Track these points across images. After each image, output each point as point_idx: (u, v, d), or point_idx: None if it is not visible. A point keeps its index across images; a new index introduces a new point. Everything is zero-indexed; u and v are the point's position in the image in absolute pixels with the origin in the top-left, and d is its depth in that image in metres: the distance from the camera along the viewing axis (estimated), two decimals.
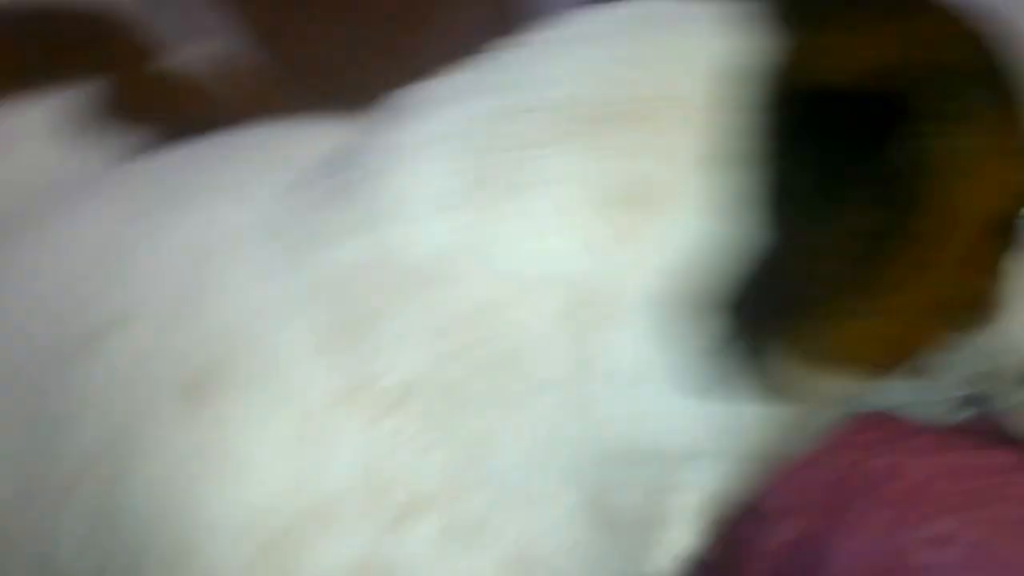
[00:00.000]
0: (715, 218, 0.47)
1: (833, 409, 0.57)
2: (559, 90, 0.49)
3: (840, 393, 0.54)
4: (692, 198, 0.47)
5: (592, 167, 0.48)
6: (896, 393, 0.64)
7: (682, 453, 0.50)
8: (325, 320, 0.49)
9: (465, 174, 0.49)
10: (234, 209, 0.53)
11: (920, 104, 0.49)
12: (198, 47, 0.72)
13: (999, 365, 0.59)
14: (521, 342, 0.48)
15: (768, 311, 0.47)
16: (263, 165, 0.55)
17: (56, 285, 0.55)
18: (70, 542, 0.51)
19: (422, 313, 0.48)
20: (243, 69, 0.83)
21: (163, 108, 0.66)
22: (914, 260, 0.49)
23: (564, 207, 0.48)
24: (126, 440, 0.50)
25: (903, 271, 0.49)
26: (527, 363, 0.48)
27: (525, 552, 0.49)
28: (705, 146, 0.47)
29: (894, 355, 0.52)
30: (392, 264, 0.49)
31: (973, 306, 0.54)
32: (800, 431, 0.56)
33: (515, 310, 0.48)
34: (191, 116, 0.66)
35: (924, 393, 0.63)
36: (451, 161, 0.50)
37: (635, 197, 0.47)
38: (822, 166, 0.47)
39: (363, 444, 0.48)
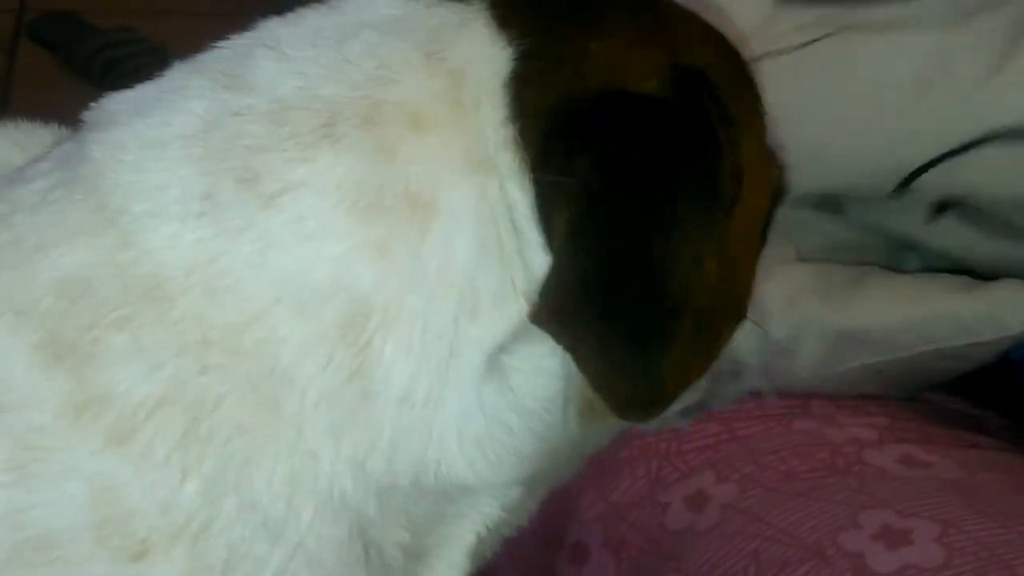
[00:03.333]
0: (485, 227, 0.43)
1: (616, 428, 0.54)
2: (296, 91, 0.44)
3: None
4: (457, 207, 0.43)
5: (340, 173, 0.43)
6: None
7: (463, 489, 0.46)
8: (44, 334, 0.42)
9: (206, 179, 0.43)
10: None
11: (710, 112, 0.46)
12: None
13: (719, 364, 0.54)
14: (287, 361, 0.42)
15: (592, 333, 0.44)
16: None
17: None
18: None
19: (165, 327, 0.42)
20: None
21: None
22: (719, 270, 0.46)
23: (316, 215, 0.42)
24: None
25: (712, 281, 0.46)
26: (293, 384, 0.42)
27: None
28: (465, 152, 0.43)
29: (701, 367, 0.49)
30: (125, 275, 0.43)
31: (743, 309, 0.53)
32: (579, 455, 0.53)
33: (279, 325, 0.42)
34: None
35: None
36: (188, 164, 0.44)
37: (395, 205, 0.42)
38: (638, 173, 0.43)
39: (97, 469, 0.41)
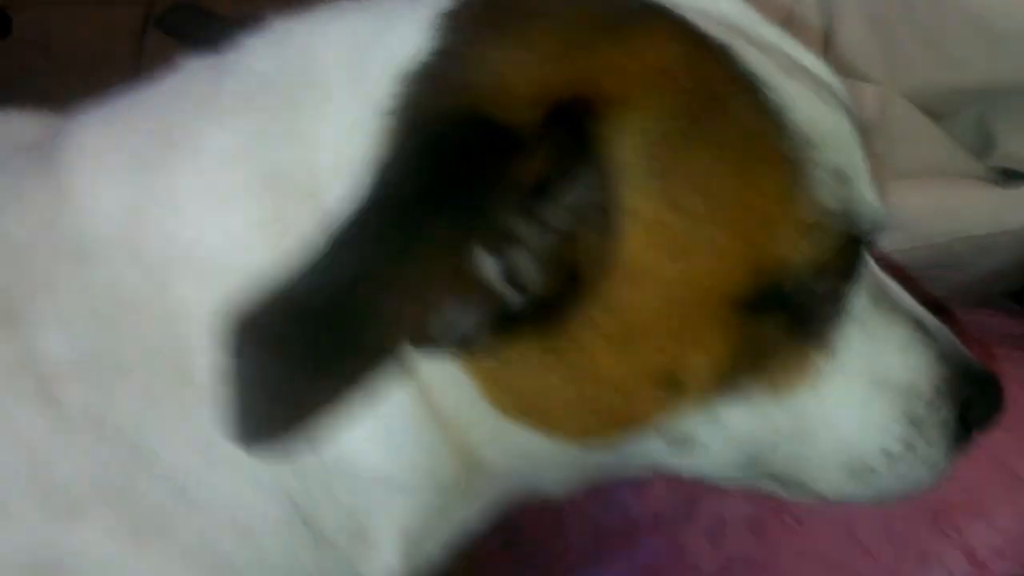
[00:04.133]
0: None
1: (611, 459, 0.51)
2: (245, 65, 0.47)
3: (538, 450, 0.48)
4: (336, 192, 0.42)
5: (242, 149, 0.44)
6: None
7: (375, 479, 0.46)
8: None
9: (138, 140, 0.45)
10: None
11: (559, 156, 0.41)
12: None
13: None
14: (196, 329, 0.42)
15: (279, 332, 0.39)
16: None
17: None
18: None
19: (82, 292, 0.43)
20: None
21: None
22: (595, 320, 0.43)
23: (219, 182, 0.43)
24: None
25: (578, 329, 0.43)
26: (203, 353, 0.41)
27: (210, 556, 0.44)
28: (349, 142, 0.43)
29: (598, 429, 0.46)
30: (60, 237, 0.44)
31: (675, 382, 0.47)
32: (551, 469, 0.51)
33: (188, 293, 0.42)
34: None
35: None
36: (129, 128, 0.46)
37: (282, 182, 0.43)
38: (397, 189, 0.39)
39: (29, 427, 0.42)
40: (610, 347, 0.43)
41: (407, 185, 0.38)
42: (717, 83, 0.44)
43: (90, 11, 1.84)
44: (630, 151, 0.41)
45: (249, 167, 0.43)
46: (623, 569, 0.79)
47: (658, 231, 0.42)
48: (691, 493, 0.79)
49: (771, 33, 0.49)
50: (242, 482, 0.43)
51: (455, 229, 0.38)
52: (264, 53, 0.47)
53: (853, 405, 0.48)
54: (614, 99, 0.42)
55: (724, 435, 0.48)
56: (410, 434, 0.44)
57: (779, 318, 0.45)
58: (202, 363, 0.41)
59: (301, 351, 0.36)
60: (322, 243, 0.37)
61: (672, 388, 0.45)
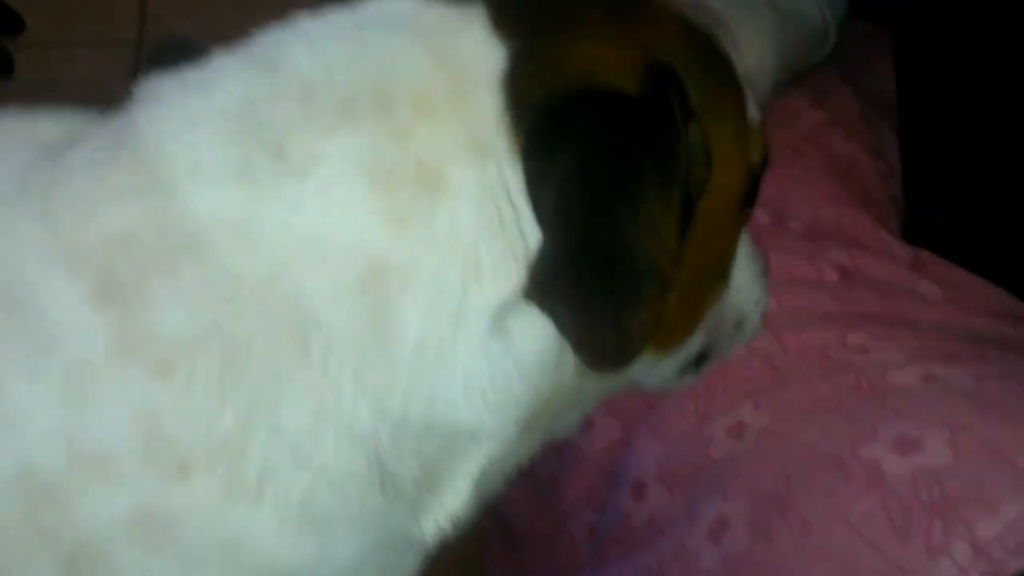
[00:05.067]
0: (485, 202, 0.49)
1: (612, 385, 0.60)
2: (321, 77, 0.50)
3: (633, 369, 0.55)
4: (462, 184, 0.48)
5: (360, 148, 0.48)
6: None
7: (467, 430, 0.51)
8: (95, 279, 0.47)
9: (243, 148, 0.49)
10: None
11: (680, 101, 0.52)
12: None
13: (722, 318, 0.62)
14: (314, 309, 0.47)
15: (572, 294, 0.49)
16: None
17: None
18: None
19: (198, 276, 0.47)
20: None
21: None
22: (698, 237, 0.53)
23: (341, 184, 0.48)
24: None
25: (690, 248, 0.53)
26: (320, 329, 0.47)
27: (307, 510, 0.48)
28: (467, 137, 0.49)
29: (687, 327, 0.58)
30: (168, 232, 0.47)
31: (726, 272, 0.60)
32: (577, 406, 0.59)
33: (307, 278, 0.47)
34: None
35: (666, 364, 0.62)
36: (228, 135, 0.49)
37: (409, 178, 0.48)
38: (607, 160, 0.49)
39: (144, 396, 0.46)
40: (704, 250, 0.55)
41: (603, 154, 0.48)
42: (707, 41, 0.56)
43: (89, 51, 1.86)
44: (696, 99, 0.53)
45: (363, 168, 0.48)
46: (624, 573, 0.77)
47: (719, 154, 0.54)
48: (690, 495, 0.78)
49: None
50: (343, 441, 0.48)
51: (661, 176, 0.49)
52: (330, 64, 0.51)
53: (747, 267, 0.63)
54: (674, 62, 0.52)
55: (716, 317, 0.61)
56: (510, 389, 0.50)
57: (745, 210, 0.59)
58: (318, 338, 0.46)
59: (598, 295, 0.47)
60: (563, 214, 0.47)
61: (724, 279, 0.59)
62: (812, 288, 0.89)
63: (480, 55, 0.49)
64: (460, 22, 0.50)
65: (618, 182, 0.48)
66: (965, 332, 0.83)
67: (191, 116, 0.49)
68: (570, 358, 0.51)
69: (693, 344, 0.59)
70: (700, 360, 0.63)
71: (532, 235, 0.48)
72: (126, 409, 0.45)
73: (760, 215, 1.06)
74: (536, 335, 0.50)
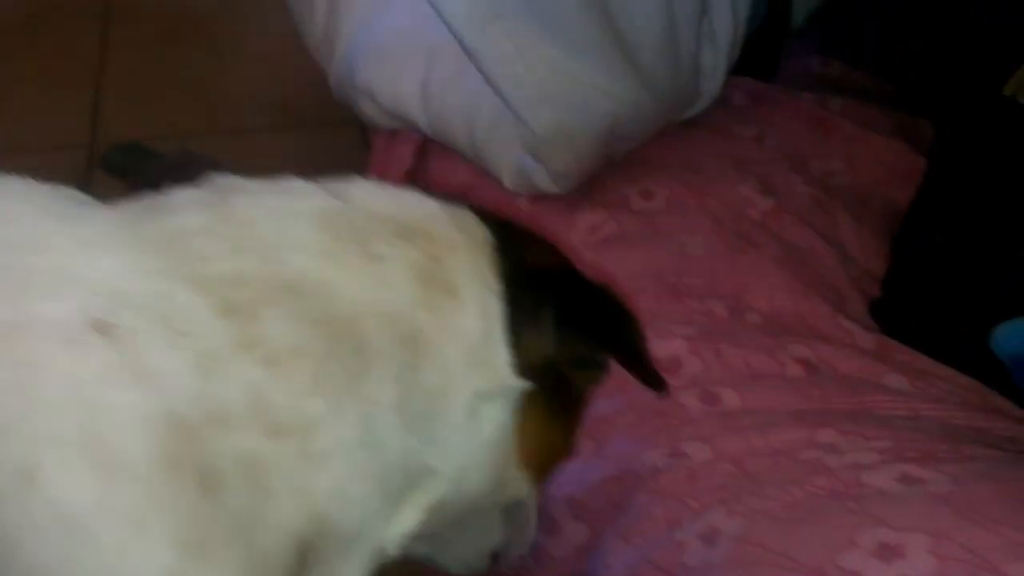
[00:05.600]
0: (486, 321, 0.65)
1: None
2: (385, 209, 0.67)
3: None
4: (470, 297, 0.65)
5: (412, 258, 0.65)
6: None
7: (431, 468, 0.65)
8: (222, 299, 0.59)
9: (336, 242, 0.63)
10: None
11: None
12: None
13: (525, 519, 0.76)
14: (372, 348, 0.61)
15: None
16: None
17: None
18: None
19: (302, 309, 0.60)
20: None
21: None
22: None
23: (396, 274, 0.64)
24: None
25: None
26: (377, 360, 0.62)
27: (351, 481, 0.62)
28: (477, 275, 0.66)
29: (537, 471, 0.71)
30: (272, 277, 0.61)
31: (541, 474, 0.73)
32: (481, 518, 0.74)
33: (370, 326, 0.61)
34: None
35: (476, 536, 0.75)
36: (318, 231, 0.64)
37: (439, 284, 0.64)
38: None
39: (258, 376, 0.58)
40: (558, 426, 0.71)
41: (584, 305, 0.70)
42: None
43: (39, 156, 1.84)
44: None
45: (411, 269, 0.64)
46: None
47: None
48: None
49: None
50: (376, 441, 0.62)
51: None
52: (396, 203, 0.68)
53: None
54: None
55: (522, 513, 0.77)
56: (467, 450, 0.66)
57: None
58: (376, 366, 0.61)
59: None
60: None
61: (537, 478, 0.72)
62: (776, 384, 0.87)
63: (477, 234, 0.68)
64: (458, 215, 0.68)
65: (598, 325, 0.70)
66: (938, 427, 0.81)
67: (281, 210, 0.64)
68: (506, 451, 0.67)
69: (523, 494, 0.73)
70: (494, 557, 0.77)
71: (503, 354, 0.65)
72: (244, 383, 0.57)
73: (717, 308, 1.05)
74: (492, 426, 0.66)
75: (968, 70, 1.13)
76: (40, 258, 0.57)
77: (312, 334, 0.59)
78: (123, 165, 1.86)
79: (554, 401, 0.68)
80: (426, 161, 1.30)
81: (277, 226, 0.62)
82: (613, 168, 1.19)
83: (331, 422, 0.59)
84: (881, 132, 1.27)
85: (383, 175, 1.33)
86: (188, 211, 0.62)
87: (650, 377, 0.68)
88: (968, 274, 0.97)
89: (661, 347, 0.91)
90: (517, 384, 0.64)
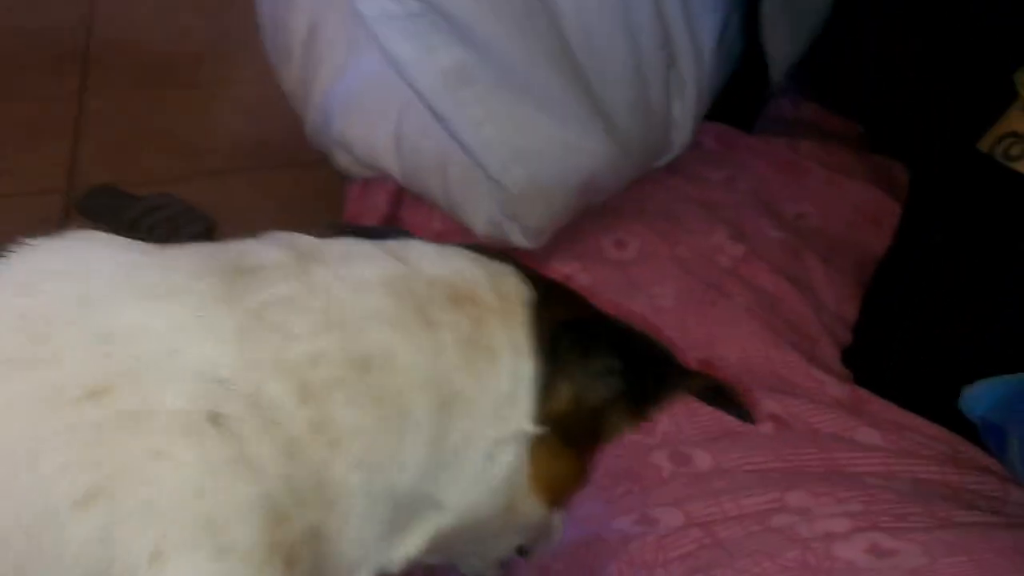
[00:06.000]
0: (515, 376, 0.69)
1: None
2: (439, 273, 0.71)
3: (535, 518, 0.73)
4: (507, 357, 0.68)
5: (463, 323, 0.68)
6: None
7: (437, 501, 0.68)
8: (298, 383, 0.63)
9: (403, 309, 0.67)
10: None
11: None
12: None
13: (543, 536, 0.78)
14: (414, 419, 0.65)
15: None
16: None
17: None
18: None
19: (366, 386, 0.64)
20: None
21: None
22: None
23: (451, 343, 0.67)
24: None
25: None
26: (413, 432, 0.65)
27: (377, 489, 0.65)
28: (510, 334, 0.69)
29: (551, 499, 0.73)
30: (347, 350, 0.65)
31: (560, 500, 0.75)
32: (489, 539, 0.76)
33: (417, 396, 0.65)
34: None
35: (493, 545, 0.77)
36: (390, 299, 0.68)
37: (480, 346, 0.68)
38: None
39: (324, 457, 0.62)
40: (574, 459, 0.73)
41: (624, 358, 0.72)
42: None
43: (13, 201, 1.83)
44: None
45: (461, 335, 0.68)
46: None
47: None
48: None
49: None
50: (401, 466, 0.65)
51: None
52: (447, 266, 0.71)
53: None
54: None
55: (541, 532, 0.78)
56: (477, 489, 0.68)
57: None
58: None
59: None
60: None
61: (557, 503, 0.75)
62: (747, 442, 0.87)
63: (518, 290, 0.71)
64: (506, 270, 0.72)
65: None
66: (911, 485, 0.81)
67: (355, 280, 0.68)
68: (519, 485, 0.70)
69: (541, 522, 0.75)
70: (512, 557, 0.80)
71: (525, 403, 0.68)
72: (312, 465, 0.62)
73: (689, 361, 1.04)
74: (507, 467, 0.68)
75: (944, 121, 1.13)
76: (145, 345, 0.60)
77: (369, 413, 0.63)
78: (99, 209, 1.85)
79: (571, 437, 0.71)
80: (400, 209, 1.30)
81: (355, 298, 0.66)
82: (587, 217, 1.19)
83: (362, 491, 0.63)
84: (853, 175, 1.27)
85: (357, 221, 1.33)
86: (275, 280, 0.66)
87: (738, 412, 0.75)
88: (938, 331, 0.96)
89: None
90: (533, 430, 0.68)
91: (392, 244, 0.71)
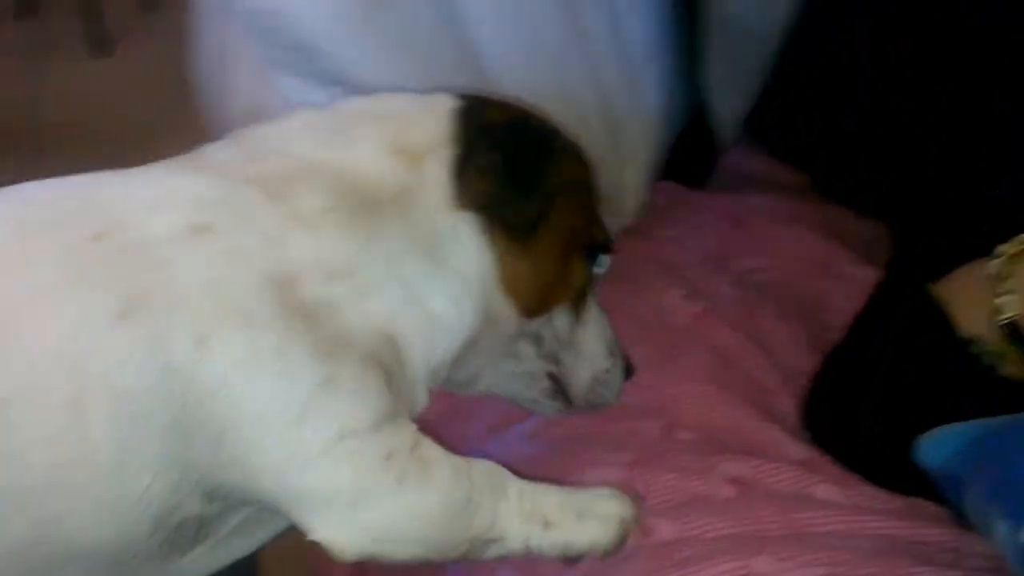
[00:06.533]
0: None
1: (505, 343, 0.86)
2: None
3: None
4: (434, 164, 0.81)
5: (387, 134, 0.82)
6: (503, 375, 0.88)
7: (442, 326, 0.80)
8: (262, 187, 0.75)
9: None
10: None
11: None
12: None
13: (574, 356, 0.89)
14: (377, 202, 0.78)
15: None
16: None
17: None
18: None
19: (319, 183, 0.77)
20: None
21: None
22: (547, 233, 0.83)
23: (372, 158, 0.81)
24: None
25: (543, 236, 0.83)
26: (383, 213, 0.78)
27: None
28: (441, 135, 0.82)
29: (540, 300, 0.84)
30: (287, 164, 0.79)
31: (564, 294, 0.86)
32: (480, 355, 0.85)
33: (370, 186, 0.78)
34: None
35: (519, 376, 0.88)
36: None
37: (411, 159, 0.80)
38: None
39: (306, 238, 0.74)
40: (548, 249, 0.84)
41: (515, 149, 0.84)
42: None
43: None
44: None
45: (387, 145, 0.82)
46: None
47: (562, 198, 0.85)
48: None
49: None
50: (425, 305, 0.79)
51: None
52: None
53: (596, 332, 0.91)
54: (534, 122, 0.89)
55: (553, 334, 0.88)
56: (471, 301, 0.80)
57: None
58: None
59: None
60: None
61: (571, 308, 0.88)
62: (710, 508, 0.86)
63: (446, 102, 0.84)
64: (437, 98, 0.85)
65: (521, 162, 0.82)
66: (871, 544, 0.81)
67: (281, 125, 0.83)
68: (489, 283, 0.80)
69: (545, 326, 0.87)
70: (557, 393, 0.90)
71: (451, 192, 0.80)
72: (298, 247, 0.73)
73: (649, 427, 1.04)
74: (468, 254, 0.79)
75: (938, 151, 1.14)
76: (130, 194, 0.73)
77: (333, 196, 0.75)
78: None
79: (516, 238, 0.80)
80: None
81: (279, 134, 0.80)
82: None
83: (366, 259, 0.74)
84: (803, 226, 1.28)
85: None
86: (217, 149, 0.80)
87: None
88: (895, 383, 0.97)
89: (596, 476, 0.90)
90: (465, 215, 0.79)
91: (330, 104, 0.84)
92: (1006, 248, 0.90)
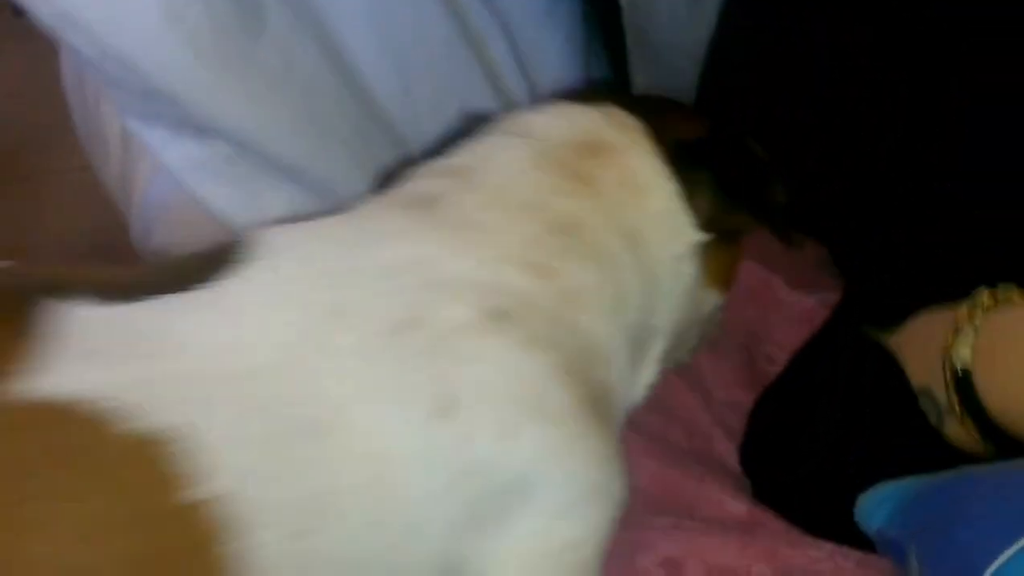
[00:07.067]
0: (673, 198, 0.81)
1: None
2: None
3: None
4: (659, 184, 0.81)
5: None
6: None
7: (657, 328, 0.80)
8: (526, 265, 0.72)
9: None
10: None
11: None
12: None
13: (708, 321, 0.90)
14: (616, 259, 0.77)
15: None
16: None
17: None
18: None
19: (573, 246, 0.74)
20: None
21: None
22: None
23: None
24: None
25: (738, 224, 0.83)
26: (619, 268, 0.77)
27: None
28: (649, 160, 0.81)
29: (723, 285, 0.87)
30: (542, 224, 0.74)
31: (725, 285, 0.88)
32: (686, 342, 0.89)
33: (608, 239, 0.76)
34: None
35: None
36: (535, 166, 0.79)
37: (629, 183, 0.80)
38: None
39: (576, 317, 0.73)
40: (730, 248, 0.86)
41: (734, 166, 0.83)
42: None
43: None
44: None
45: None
46: None
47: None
48: None
49: None
50: (627, 323, 0.78)
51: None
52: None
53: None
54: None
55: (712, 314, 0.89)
56: (681, 314, 0.82)
57: None
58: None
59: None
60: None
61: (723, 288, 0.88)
62: None
63: (631, 120, 0.81)
64: (613, 111, 0.82)
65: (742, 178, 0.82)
66: None
67: (511, 164, 0.78)
68: (699, 287, 0.82)
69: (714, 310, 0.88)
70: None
71: (685, 218, 0.80)
72: (571, 326, 0.72)
73: None
74: (689, 277, 0.80)
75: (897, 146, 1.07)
76: (409, 276, 0.68)
77: (590, 268, 0.73)
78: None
79: (723, 240, 0.81)
80: None
81: (516, 183, 0.75)
82: None
83: (614, 338, 0.74)
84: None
85: None
86: (449, 199, 0.74)
87: (781, 233, 0.80)
88: (839, 431, 0.91)
89: None
90: (700, 238, 0.79)
91: (506, 125, 0.80)
92: (968, 301, 0.83)
